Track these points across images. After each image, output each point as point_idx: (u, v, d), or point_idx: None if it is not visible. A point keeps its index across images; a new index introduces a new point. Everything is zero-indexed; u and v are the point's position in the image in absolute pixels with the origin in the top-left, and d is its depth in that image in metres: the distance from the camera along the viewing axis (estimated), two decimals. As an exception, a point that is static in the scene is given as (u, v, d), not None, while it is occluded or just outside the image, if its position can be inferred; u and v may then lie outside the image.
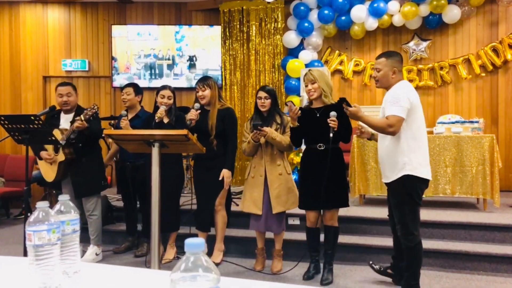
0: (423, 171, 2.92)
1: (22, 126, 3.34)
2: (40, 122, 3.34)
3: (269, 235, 3.75)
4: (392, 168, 2.96)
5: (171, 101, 3.87)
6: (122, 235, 4.47)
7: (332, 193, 3.28)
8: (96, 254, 4.00)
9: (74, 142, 3.78)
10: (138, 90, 4.25)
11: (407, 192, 2.91)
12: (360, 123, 3.09)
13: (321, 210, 3.41)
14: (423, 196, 4.66)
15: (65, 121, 3.90)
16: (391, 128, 2.83)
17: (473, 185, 4.33)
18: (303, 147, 3.58)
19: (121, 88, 4.32)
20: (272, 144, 3.51)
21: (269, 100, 3.56)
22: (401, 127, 2.86)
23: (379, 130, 2.94)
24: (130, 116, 4.15)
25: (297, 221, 4.26)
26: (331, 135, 3.13)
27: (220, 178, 3.62)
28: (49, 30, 7.00)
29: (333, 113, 3.15)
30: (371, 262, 3.41)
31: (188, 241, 0.73)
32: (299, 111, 3.31)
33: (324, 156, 3.28)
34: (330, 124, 3.13)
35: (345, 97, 3.05)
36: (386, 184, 3.10)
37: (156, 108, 3.88)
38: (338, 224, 3.42)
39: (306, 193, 3.40)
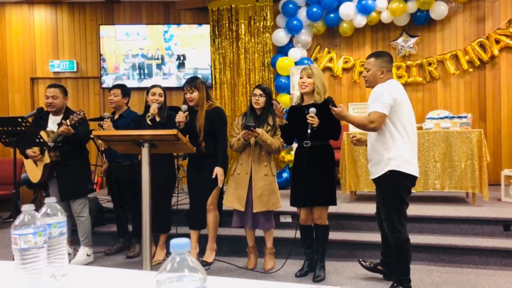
0: (409, 168, 2.90)
1: (9, 128, 3.30)
2: (28, 124, 3.30)
3: (260, 233, 3.75)
4: (377, 164, 2.98)
5: (162, 99, 3.88)
6: (113, 236, 4.44)
7: (320, 191, 3.29)
8: (87, 255, 3.97)
9: (60, 145, 3.74)
10: (125, 92, 4.22)
11: (392, 188, 2.92)
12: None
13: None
14: (413, 191, 4.73)
15: (52, 122, 3.87)
16: (372, 124, 2.85)
17: (462, 180, 4.37)
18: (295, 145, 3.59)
19: (109, 89, 4.30)
20: (262, 145, 3.51)
21: (263, 98, 3.57)
22: (385, 123, 2.88)
23: (361, 127, 2.96)
24: (115, 117, 4.14)
25: (288, 219, 4.27)
26: (308, 131, 3.15)
27: (213, 176, 3.61)
28: (35, 31, 6.92)
29: (312, 109, 3.17)
30: (360, 260, 3.44)
31: (174, 241, 0.72)
32: (284, 110, 3.33)
33: (312, 153, 3.30)
34: (308, 121, 3.15)
35: (331, 96, 3.10)
36: (373, 180, 3.12)
37: (147, 107, 3.88)
38: (327, 222, 3.43)
39: (295, 190, 3.42)
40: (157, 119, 3.82)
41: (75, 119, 3.60)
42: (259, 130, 3.42)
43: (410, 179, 2.94)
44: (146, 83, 6.41)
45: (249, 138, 3.48)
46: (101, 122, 5.13)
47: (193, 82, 3.67)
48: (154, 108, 3.74)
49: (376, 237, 3.84)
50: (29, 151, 3.79)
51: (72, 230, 4.05)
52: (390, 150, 2.89)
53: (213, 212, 3.71)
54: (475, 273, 3.53)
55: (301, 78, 3.40)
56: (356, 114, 4.90)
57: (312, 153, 3.30)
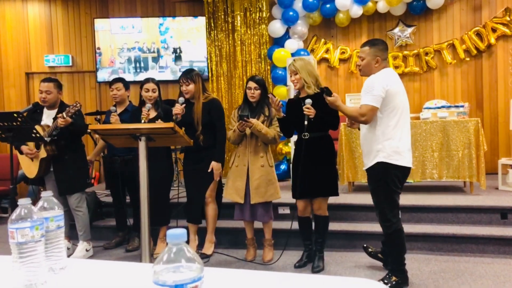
0: (399, 159, 2.87)
1: (5, 124, 3.29)
2: (24, 119, 3.28)
3: (259, 225, 3.76)
4: (368, 155, 3.00)
5: (156, 94, 3.87)
6: (112, 230, 4.44)
7: (319, 182, 3.30)
8: (87, 250, 3.97)
9: (56, 139, 3.73)
10: (126, 85, 4.23)
11: (381, 178, 2.91)
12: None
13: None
14: (411, 181, 4.75)
15: (47, 117, 3.85)
16: (363, 117, 2.87)
17: (460, 169, 4.39)
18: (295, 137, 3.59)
19: (110, 84, 4.27)
20: (258, 136, 3.51)
21: (258, 91, 3.56)
22: (376, 115, 2.88)
23: (352, 119, 3.00)
24: (119, 111, 4.13)
25: (287, 210, 4.28)
26: (305, 122, 3.16)
27: (209, 170, 3.61)
28: (30, 25, 6.86)
29: (308, 101, 3.17)
30: (365, 245, 3.45)
31: (170, 232, 0.72)
32: (281, 102, 3.33)
33: (311, 145, 3.29)
34: (304, 112, 3.15)
35: (327, 86, 3.10)
36: (366, 170, 3.12)
37: (142, 102, 3.87)
38: (327, 213, 3.44)
39: (296, 182, 3.41)
40: (153, 115, 3.81)
41: (72, 111, 3.58)
42: (253, 120, 3.42)
43: (401, 170, 2.90)
44: (142, 76, 6.37)
45: (244, 129, 3.48)
46: (98, 117, 5.12)
47: (189, 74, 3.65)
48: (145, 114, 3.63)
49: (374, 227, 3.86)
50: (24, 148, 3.76)
51: (70, 225, 4.06)
52: (378, 141, 2.89)
53: (211, 205, 3.72)
54: (472, 261, 3.55)
55: (290, 76, 3.43)
56: (353, 105, 4.91)
57: (311, 145, 3.29)
